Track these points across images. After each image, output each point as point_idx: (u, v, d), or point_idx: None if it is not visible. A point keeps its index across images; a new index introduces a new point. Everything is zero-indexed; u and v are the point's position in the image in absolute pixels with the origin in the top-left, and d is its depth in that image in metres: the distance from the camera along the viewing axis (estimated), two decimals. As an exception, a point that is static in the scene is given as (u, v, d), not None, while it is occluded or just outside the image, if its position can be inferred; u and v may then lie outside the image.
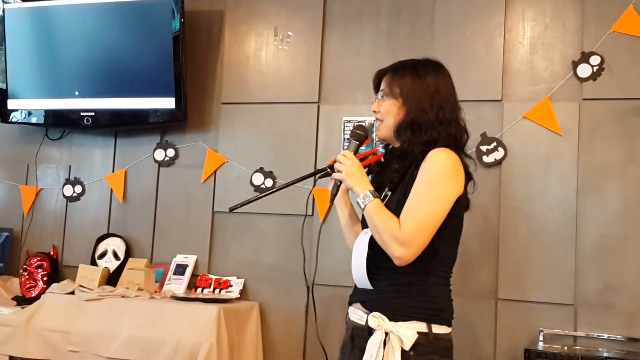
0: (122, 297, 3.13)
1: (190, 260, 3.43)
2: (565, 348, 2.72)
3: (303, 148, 3.34)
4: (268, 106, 3.44)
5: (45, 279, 3.49)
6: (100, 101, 3.57)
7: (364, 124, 2.08)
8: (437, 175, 1.87)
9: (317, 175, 2.21)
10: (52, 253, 3.64)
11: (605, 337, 2.80)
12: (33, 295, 3.43)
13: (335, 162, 2.00)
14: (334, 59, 3.37)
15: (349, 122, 3.27)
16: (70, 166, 3.79)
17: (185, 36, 3.41)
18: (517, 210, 2.98)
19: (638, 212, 2.84)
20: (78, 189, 3.74)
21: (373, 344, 1.86)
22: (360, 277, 1.93)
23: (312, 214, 3.28)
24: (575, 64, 2.97)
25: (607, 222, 2.87)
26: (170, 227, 3.55)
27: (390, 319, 1.87)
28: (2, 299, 3.47)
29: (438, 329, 1.89)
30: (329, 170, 2.08)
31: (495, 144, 3.02)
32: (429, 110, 1.96)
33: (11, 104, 3.77)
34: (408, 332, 1.85)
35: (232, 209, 2.27)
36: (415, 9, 3.25)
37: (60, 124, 3.76)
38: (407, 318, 1.87)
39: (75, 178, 3.76)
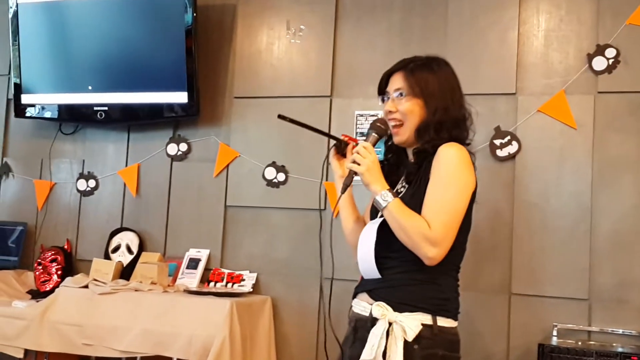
0: (136, 290, 3.15)
1: (203, 254, 3.44)
2: (580, 343, 2.70)
3: (315, 142, 3.32)
4: (280, 100, 3.44)
5: (59, 272, 3.51)
6: (114, 96, 3.58)
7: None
8: (455, 171, 1.86)
9: (330, 141, 2.19)
10: (66, 247, 3.66)
11: (620, 332, 2.78)
12: (47, 289, 3.46)
13: (349, 139, 2.02)
14: (346, 52, 3.36)
15: (362, 116, 3.26)
16: (83, 160, 3.80)
17: (197, 30, 3.41)
18: (531, 205, 2.96)
19: (654, 206, 2.81)
20: (92, 183, 3.75)
21: (375, 334, 1.84)
22: (368, 266, 1.92)
23: (325, 208, 3.27)
24: (590, 57, 2.94)
25: (622, 216, 2.84)
26: (183, 221, 3.55)
27: (395, 309, 1.86)
28: (16, 292, 3.50)
29: (443, 322, 1.88)
30: (341, 143, 2.10)
31: (509, 137, 3.00)
32: (452, 108, 1.96)
33: (25, 98, 3.79)
34: (412, 322, 1.83)
35: (280, 116, 2.18)
36: (429, 1, 3.23)
37: (74, 118, 3.77)
38: (413, 309, 1.86)
39: (88, 172, 3.77)
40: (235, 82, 3.53)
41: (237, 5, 3.57)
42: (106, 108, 3.60)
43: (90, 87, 3.63)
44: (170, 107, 3.48)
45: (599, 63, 2.93)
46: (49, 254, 3.57)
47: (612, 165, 2.88)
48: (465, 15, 3.15)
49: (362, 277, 2.02)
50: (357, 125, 3.26)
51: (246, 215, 3.45)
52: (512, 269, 2.95)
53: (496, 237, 2.99)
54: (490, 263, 2.99)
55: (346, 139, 2.13)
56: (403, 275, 1.90)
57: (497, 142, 3.02)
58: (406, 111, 1.96)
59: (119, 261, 3.48)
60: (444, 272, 1.92)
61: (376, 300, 1.90)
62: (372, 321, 1.88)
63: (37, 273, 3.55)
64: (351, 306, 2.05)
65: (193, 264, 3.42)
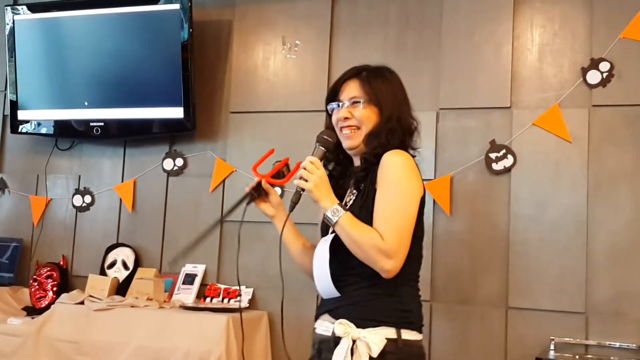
0: (132, 306, 3.13)
1: (199, 269, 3.43)
2: (577, 357, 2.70)
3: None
4: (276, 115, 3.44)
5: (55, 289, 3.50)
6: (110, 111, 3.59)
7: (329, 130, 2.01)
8: (401, 178, 1.84)
9: (245, 203, 2.11)
10: (61, 263, 3.65)
11: (617, 346, 2.77)
12: (43, 306, 3.44)
13: (254, 186, 2.02)
14: (342, 67, 3.32)
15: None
16: (79, 176, 3.80)
17: (193, 46, 3.42)
18: (527, 218, 2.96)
19: (649, 219, 2.81)
20: (87, 199, 3.75)
21: (339, 353, 1.79)
22: (325, 285, 1.87)
23: (321, 223, 3.27)
24: (584, 71, 2.96)
25: (618, 229, 2.84)
26: (179, 236, 3.54)
27: (358, 326, 1.82)
28: (12, 309, 3.48)
29: (408, 335, 1.84)
30: (253, 194, 2.06)
31: (504, 151, 3.01)
32: (403, 117, 1.96)
33: (21, 114, 3.79)
34: (376, 337, 1.79)
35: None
36: (423, 16, 3.24)
37: (70, 134, 3.78)
38: (376, 324, 1.82)
39: (84, 188, 3.77)
40: (231, 97, 3.54)
41: (233, 21, 3.58)
42: (102, 123, 3.61)
43: (86, 103, 3.64)
44: (166, 122, 3.49)
45: (593, 77, 2.94)
46: (45, 270, 3.55)
47: (608, 178, 2.88)
48: (459, 29, 3.17)
49: (322, 298, 1.96)
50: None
51: (243, 230, 3.36)
52: (509, 282, 2.95)
53: (493, 251, 2.99)
54: (487, 276, 2.99)
55: (259, 179, 2.08)
56: (363, 291, 1.86)
57: (493, 155, 3.02)
58: (363, 118, 1.94)
59: (115, 277, 3.47)
60: (403, 284, 1.88)
61: (337, 318, 1.85)
62: (335, 340, 1.84)
63: (32, 289, 3.53)
64: (314, 328, 2.00)
65: (189, 279, 3.41)
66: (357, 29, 3.36)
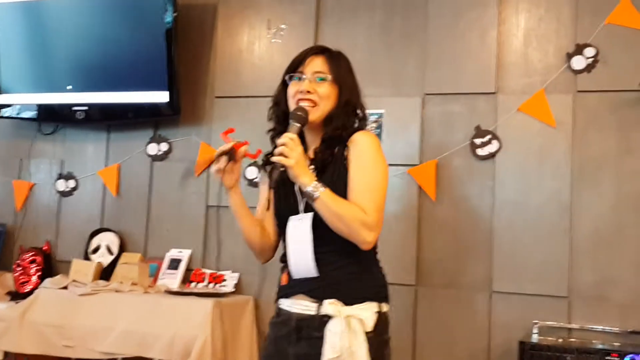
0: (116, 291, 3.13)
1: (184, 254, 3.42)
2: (560, 340, 2.72)
3: (297, 141, 3.32)
4: (262, 100, 3.35)
5: (38, 274, 3.48)
6: (93, 95, 3.55)
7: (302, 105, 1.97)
8: (376, 157, 1.94)
9: (225, 157, 2.01)
10: (45, 248, 3.63)
11: (600, 330, 2.80)
12: (27, 291, 3.42)
13: (239, 145, 1.99)
14: (327, 52, 3.35)
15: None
16: (63, 161, 3.77)
17: (178, 30, 3.39)
18: (511, 203, 2.97)
19: (632, 204, 2.83)
20: (71, 183, 3.72)
21: (334, 332, 1.83)
22: (305, 265, 1.90)
23: (307, 208, 3.27)
24: (569, 56, 2.96)
25: (602, 214, 2.86)
26: (164, 221, 3.53)
27: (346, 304, 1.87)
28: (-5, 294, 3.47)
29: (385, 308, 1.94)
30: (232, 153, 1.99)
31: (489, 136, 3.02)
32: (358, 101, 2.03)
33: (3, 98, 3.75)
34: (367, 313, 1.87)
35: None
36: (409, 1, 3.23)
37: (53, 118, 3.74)
38: (361, 300, 1.89)
39: (68, 173, 3.74)
40: (216, 82, 3.52)
41: (217, 5, 3.55)
42: (86, 108, 3.57)
43: (69, 87, 3.60)
44: (151, 106, 3.46)
45: (578, 62, 2.95)
46: (28, 255, 3.53)
47: (592, 163, 2.90)
48: (445, 14, 3.16)
49: (288, 278, 1.97)
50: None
51: (228, 215, 3.43)
52: (493, 267, 2.97)
53: (477, 236, 3.00)
54: (471, 261, 3.01)
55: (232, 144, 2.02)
56: (342, 271, 1.91)
57: (478, 141, 3.03)
58: (324, 95, 1.97)
59: (99, 262, 3.45)
60: (373, 259, 1.99)
61: (319, 298, 1.88)
62: (321, 319, 1.87)
63: (16, 274, 3.51)
64: (278, 308, 2.01)
65: (174, 264, 3.40)
66: (343, 13, 3.34)
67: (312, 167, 1.96)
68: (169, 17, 3.36)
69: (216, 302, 2.92)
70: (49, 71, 3.65)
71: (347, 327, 1.83)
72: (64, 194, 3.73)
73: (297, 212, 1.95)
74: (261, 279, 3.32)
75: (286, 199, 1.99)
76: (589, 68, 2.93)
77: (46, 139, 3.82)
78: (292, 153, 1.83)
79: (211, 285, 3.32)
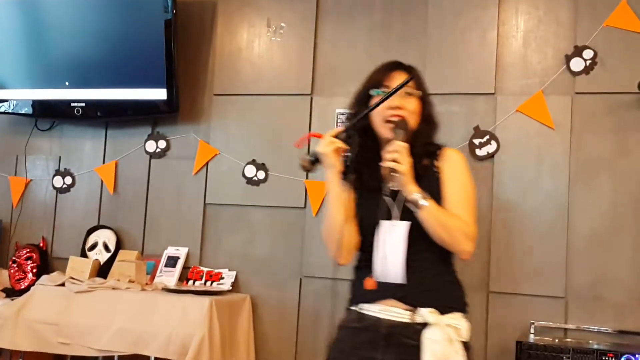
0: (113, 289, 3.12)
1: (181, 252, 3.42)
2: (556, 340, 2.74)
3: (296, 140, 3.31)
4: (260, 98, 3.43)
5: (34, 270, 3.46)
6: (91, 92, 3.54)
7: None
8: (469, 174, 2.02)
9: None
10: (41, 245, 3.61)
11: (596, 330, 2.82)
12: (22, 287, 3.41)
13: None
14: (327, 50, 3.36)
15: (342, 114, 3.26)
16: (60, 157, 3.75)
17: (177, 27, 3.38)
18: (509, 203, 2.98)
19: (629, 205, 2.86)
20: (68, 180, 3.71)
21: (434, 340, 1.84)
22: (395, 270, 1.90)
23: (305, 207, 3.27)
24: (568, 58, 2.98)
25: (599, 215, 2.88)
26: (161, 219, 3.53)
27: (441, 312, 1.89)
28: (-9, 291, 3.45)
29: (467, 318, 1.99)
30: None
31: (488, 137, 3.03)
32: (434, 119, 2.09)
33: (0, 94, 3.73)
34: (462, 322, 1.92)
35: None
36: (409, 1, 3.24)
37: (50, 114, 3.73)
38: (451, 310, 1.93)
39: (65, 169, 3.72)
40: (215, 79, 3.51)
41: (217, 2, 3.55)
42: (83, 104, 3.56)
43: (67, 83, 3.59)
44: (149, 103, 3.45)
45: (577, 64, 2.97)
46: (24, 251, 3.52)
47: (589, 164, 2.92)
48: (445, 15, 3.17)
49: (373, 285, 1.93)
50: (338, 124, 3.26)
51: (226, 213, 3.43)
52: (490, 267, 2.98)
53: (475, 236, 3.01)
54: (468, 261, 2.97)
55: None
56: (436, 279, 1.95)
57: (476, 141, 3.04)
58: (412, 110, 2.00)
59: (96, 259, 3.44)
60: (455, 272, 2.04)
61: (413, 305, 1.90)
62: (414, 327, 1.88)
63: (11, 271, 3.50)
64: (359, 313, 1.99)
65: (172, 262, 3.39)
66: (343, 12, 3.34)
67: None
68: (168, 14, 3.35)
69: (213, 300, 2.92)
70: (46, 67, 3.63)
71: (446, 336, 1.86)
72: (60, 190, 3.72)
73: (387, 218, 1.95)
74: (258, 277, 3.32)
75: (373, 205, 1.96)
76: (587, 70, 2.95)
77: (43, 135, 3.80)
78: (405, 160, 1.86)
79: (208, 283, 3.32)
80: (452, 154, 2.04)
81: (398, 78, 2.01)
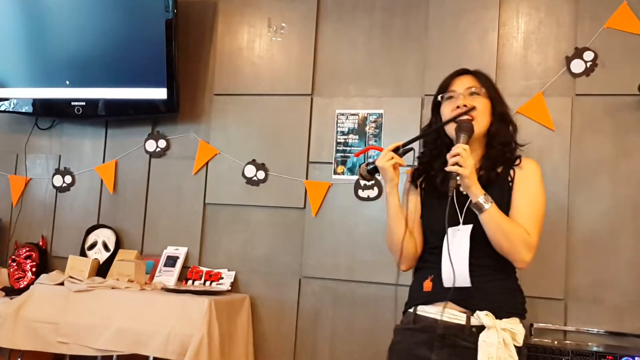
0: (112, 288, 3.11)
1: (181, 252, 3.42)
2: (556, 342, 2.73)
3: (296, 140, 3.33)
4: (261, 98, 3.42)
5: (34, 269, 3.46)
6: (92, 91, 3.54)
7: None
8: (542, 186, 2.04)
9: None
10: (41, 243, 3.61)
11: (595, 332, 2.81)
12: (22, 286, 3.41)
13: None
14: (327, 51, 3.36)
15: (342, 114, 3.26)
16: (60, 156, 3.75)
17: (177, 26, 3.38)
18: (509, 205, 2.98)
19: (629, 207, 2.85)
20: (68, 179, 3.70)
21: (490, 343, 1.87)
22: (460, 273, 1.91)
23: (304, 207, 3.27)
24: (568, 60, 2.98)
25: (598, 217, 2.88)
26: (161, 218, 3.52)
27: (497, 317, 1.91)
28: (-10, 289, 3.45)
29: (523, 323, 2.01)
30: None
31: (488, 138, 3.02)
32: (509, 110, 2.12)
33: (0, 92, 3.73)
34: (518, 327, 1.94)
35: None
36: (410, 2, 3.24)
37: (51, 113, 3.72)
38: (508, 315, 1.94)
39: (65, 168, 3.72)
40: (215, 79, 3.51)
41: (217, 2, 3.54)
42: (84, 103, 3.56)
43: (67, 82, 3.59)
44: (149, 103, 3.45)
45: (577, 66, 2.96)
46: (24, 250, 3.52)
47: (589, 166, 2.92)
48: (445, 16, 3.17)
49: (431, 286, 2.00)
50: (338, 124, 3.26)
51: (225, 213, 3.43)
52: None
53: (474, 237, 3.01)
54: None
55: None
56: (495, 284, 1.97)
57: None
58: (482, 109, 2.02)
59: (96, 258, 3.44)
60: (516, 278, 2.06)
61: (471, 309, 1.93)
62: (470, 329, 1.91)
63: (11, 270, 3.49)
64: (415, 314, 2.04)
65: (171, 261, 3.39)
66: (343, 13, 3.34)
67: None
68: (168, 13, 3.35)
69: (212, 300, 2.92)
70: (46, 66, 3.63)
71: (502, 339, 1.88)
72: (60, 189, 3.71)
73: (454, 223, 1.98)
74: (258, 277, 3.32)
75: (440, 210, 1.99)
76: (587, 72, 2.95)
77: (43, 134, 3.80)
78: (467, 162, 1.87)
79: (208, 283, 3.31)
80: (529, 164, 2.06)
81: (462, 82, 2.07)
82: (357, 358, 3.09)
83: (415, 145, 2.12)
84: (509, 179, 2.02)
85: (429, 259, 2.06)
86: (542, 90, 2.99)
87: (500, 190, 1.98)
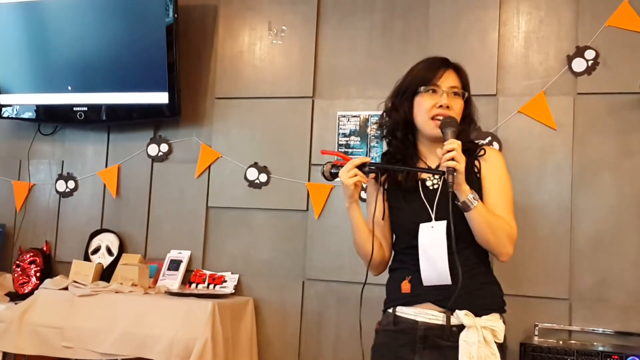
0: (116, 292, 3.12)
1: (184, 255, 3.42)
2: (560, 342, 2.71)
3: (297, 143, 3.32)
4: (262, 101, 3.42)
5: (38, 274, 3.47)
6: (93, 96, 3.54)
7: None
8: (507, 174, 2.04)
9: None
10: (45, 249, 3.62)
11: (600, 332, 2.80)
12: (26, 291, 3.41)
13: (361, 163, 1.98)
14: (328, 53, 3.36)
15: (344, 116, 3.25)
16: (63, 161, 3.76)
17: (178, 30, 3.38)
18: (512, 205, 2.97)
19: (632, 206, 2.84)
20: (71, 184, 3.71)
21: (470, 342, 1.85)
22: (439, 272, 1.89)
23: (307, 209, 3.27)
24: (570, 59, 2.97)
25: (602, 216, 2.87)
26: (164, 222, 3.53)
27: (476, 315, 1.89)
28: (-6, 295, 3.46)
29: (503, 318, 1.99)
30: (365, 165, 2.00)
31: (489, 138, 3.02)
32: (475, 120, 2.12)
33: (3, 99, 3.74)
34: (499, 324, 1.92)
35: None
36: (410, 3, 3.23)
37: (53, 119, 3.73)
38: (488, 312, 1.92)
39: (68, 173, 3.73)
40: (216, 83, 3.51)
41: (218, 6, 3.55)
42: (86, 108, 3.57)
43: (69, 87, 3.59)
44: (151, 107, 3.45)
45: (579, 64, 2.96)
46: (28, 255, 3.52)
47: (592, 165, 2.91)
48: (446, 16, 3.17)
49: (409, 287, 1.96)
50: (340, 127, 3.26)
51: (228, 216, 3.43)
52: (494, 269, 2.94)
53: (477, 237, 3.00)
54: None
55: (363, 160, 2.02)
56: (473, 280, 1.93)
57: (479, 143, 3.03)
58: (459, 111, 2.02)
59: (99, 263, 3.44)
60: (492, 271, 2.04)
61: (450, 308, 1.89)
62: (450, 329, 1.89)
63: (15, 275, 3.50)
64: (395, 315, 2.00)
65: (174, 265, 3.39)
66: (344, 15, 3.34)
67: (435, 176, 2.00)
68: (169, 18, 3.36)
69: (216, 303, 2.92)
70: (49, 71, 3.64)
71: (482, 338, 1.85)
72: (63, 194, 3.72)
73: (424, 220, 1.95)
74: (261, 280, 3.32)
75: (411, 205, 1.99)
76: (589, 70, 2.94)
77: (46, 140, 3.81)
78: (462, 158, 1.85)
79: (211, 286, 3.31)
80: (494, 154, 2.06)
81: (447, 78, 2.02)
82: (361, 359, 3.08)
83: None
84: (476, 170, 2.00)
85: (403, 259, 2.03)
86: (544, 90, 2.98)
87: (469, 182, 1.90)
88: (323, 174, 2.08)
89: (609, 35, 2.93)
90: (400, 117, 2.06)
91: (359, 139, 3.21)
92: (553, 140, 2.95)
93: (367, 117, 3.22)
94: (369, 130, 3.20)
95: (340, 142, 3.24)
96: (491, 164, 2.01)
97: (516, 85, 3.04)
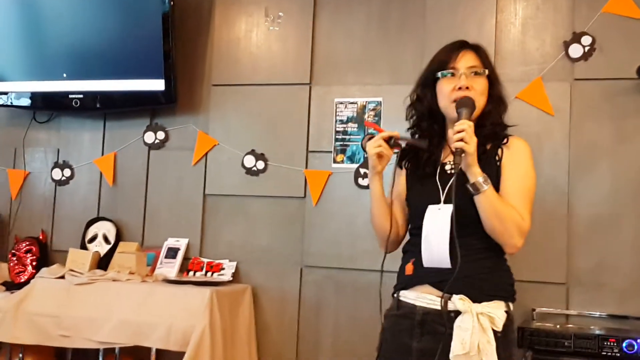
0: (114, 280, 3.11)
1: (181, 243, 3.41)
2: (558, 326, 2.73)
3: (295, 130, 3.32)
4: (259, 88, 3.41)
5: (34, 263, 3.45)
6: (89, 83, 3.52)
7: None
8: (532, 165, 1.95)
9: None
10: (41, 237, 3.60)
11: (597, 315, 2.82)
12: (22, 280, 3.40)
13: (392, 136, 1.95)
14: (325, 40, 3.35)
15: (341, 103, 3.25)
16: (58, 149, 3.74)
17: (174, 17, 3.36)
18: (509, 191, 2.98)
19: (629, 190, 2.86)
20: (67, 172, 3.69)
21: (464, 328, 1.79)
22: (439, 255, 1.86)
23: (305, 196, 3.27)
24: (566, 45, 2.97)
25: (599, 201, 2.88)
26: (161, 210, 3.52)
27: (474, 300, 1.83)
28: (-10, 284, 3.44)
29: (512, 307, 1.92)
30: (394, 139, 1.97)
31: (487, 124, 3.02)
32: (504, 98, 2.03)
33: (-3, 86, 3.72)
34: (498, 312, 1.84)
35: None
36: (407, -11, 3.23)
37: (48, 106, 3.71)
38: (490, 298, 1.86)
39: (64, 161, 3.71)
40: (213, 70, 3.50)
41: (214, -8, 3.54)
42: (81, 96, 3.55)
43: (65, 75, 3.57)
44: (147, 94, 3.44)
45: (575, 50, 2.96)
46: (24, 244, 3.51)
47: (589, 150, 2.92)
48: (443, 3, 3.17)
49: (412, 269, 1.94)
50: (337, 113, 3.25)
51: (225, 203, 3.42)
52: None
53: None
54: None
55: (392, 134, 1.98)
56: (474, 265, 1.86)
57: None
58: (480, 90, 1.95)
59: (96, 251, 3.43)
60: (503, 257, 1.96)
61: (448, 292, 1.83)
62: (448, 315, 1.83)
63: (11, 264, 3.48)
64: (398, 300, 1.99)
65: (172, 253, 3.39)
66: (341, 2, 3.33)
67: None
68: (165, 4, 3.34)
69: (214, 290, 2.92)
70: (44, 59, 3.61)
71: (477, 324, 1.79)
72: (59, 182, 3.70)
73: (434, 202, 1.92)
74: (259, 267, 3.32)
75: (424, 187, 1.97)
76: (585, 56, 2.95)
77: (41, 127, 3.78)
78: (472, 139, 1.79)
79: (209, 274, 3.31)
80: (517, 143, 1.97)
81: (464, 59, 1.97)
82: (360, 346, 3.09)
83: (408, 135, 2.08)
84: (497, 157, 1.93)
85: (412, 241, 2.01)
86: (541, 76, 2.99)
87: (487, 169, 1.87)
88: (362, 146, 2.08)
89: (606, 21, 2.93)
90: (425, 107, 2.02)
91: (356, 125, 3.21)
92: (550, 126, 2.96)
93: (364, 103, 3.21)
94: (366, 116, 3.20)
95: (337, 129, 3.24)
96: (513, 152, 1.94)
97: (513, 72, 3.04)
